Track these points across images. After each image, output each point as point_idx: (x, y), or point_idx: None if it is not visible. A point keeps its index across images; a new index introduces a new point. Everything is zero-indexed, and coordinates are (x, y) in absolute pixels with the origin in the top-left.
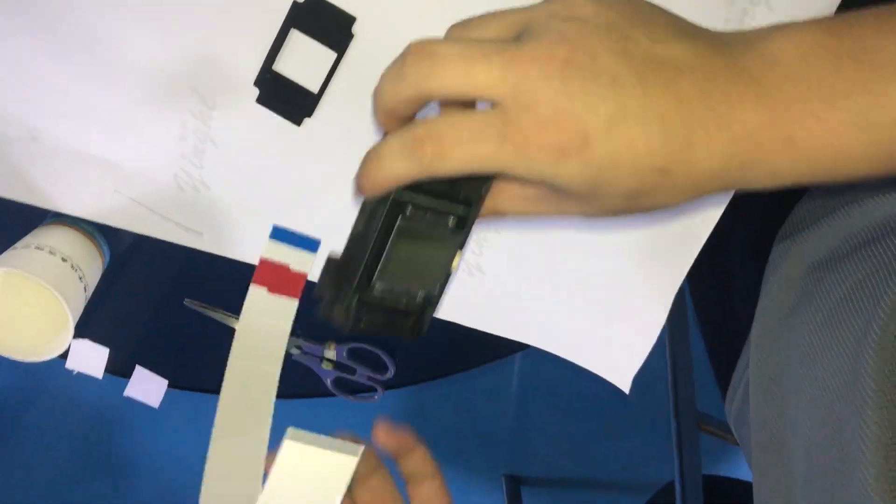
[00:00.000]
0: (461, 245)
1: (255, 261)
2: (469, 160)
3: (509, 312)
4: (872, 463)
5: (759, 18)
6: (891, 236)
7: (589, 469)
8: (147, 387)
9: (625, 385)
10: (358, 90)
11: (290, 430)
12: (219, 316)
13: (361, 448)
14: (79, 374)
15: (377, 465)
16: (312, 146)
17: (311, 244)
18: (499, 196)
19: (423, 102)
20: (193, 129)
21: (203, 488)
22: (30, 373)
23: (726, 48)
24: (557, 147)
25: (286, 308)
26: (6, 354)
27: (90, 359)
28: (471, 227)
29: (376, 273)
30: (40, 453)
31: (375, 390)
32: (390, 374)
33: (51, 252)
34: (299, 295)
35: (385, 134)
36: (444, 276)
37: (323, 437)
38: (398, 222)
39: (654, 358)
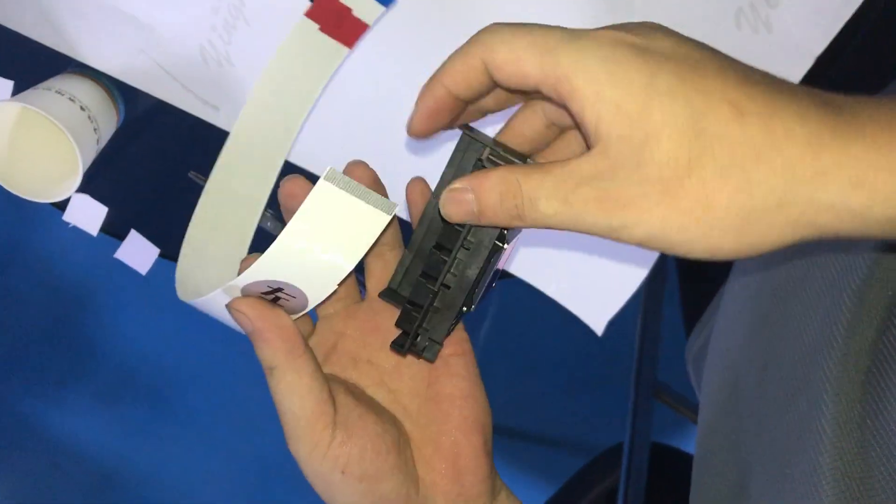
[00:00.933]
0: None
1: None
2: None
3: None
4: (833, 387)
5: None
6: None
7: (543, 424)
8: (138, 252)
9: (598, 328)
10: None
11: (329, 171)
12: None
13: (396, 207)
14: (74, 227)
15: (396, 242)
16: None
17: None
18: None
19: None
20: (228, 3)
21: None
22: (26, 218)
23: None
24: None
25: (333, 53)
26: (12, 189)
27: (88, 215)
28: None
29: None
30: (17, 304)
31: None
32: None
33: (71, 99)
34: (353, 45)
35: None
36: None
37: (361, 187)
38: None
39: (621, 331)
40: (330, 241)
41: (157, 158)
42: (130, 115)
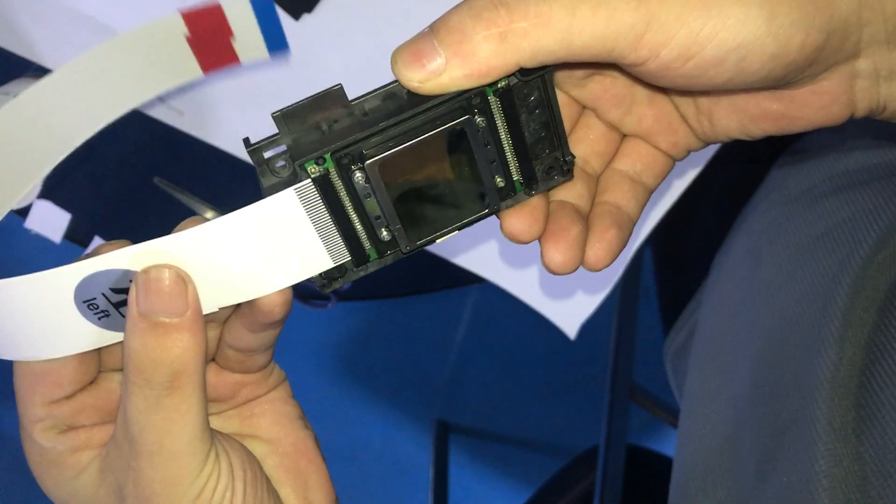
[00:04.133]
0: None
1: (232, 149)
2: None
3: (469, 243)
4: (826, 389)
5: None
6: (880, 181)
7: (518, 427)
8: None
9: (571, 331)
10: None
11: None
12: (186, 199)
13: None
14: (36, 235)
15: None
16: (307, 43)
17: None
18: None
19: None
20: (189, 4)
21: None
22: None
23: None
24: None
25: (180, 70)
26: None
27: (50, 222)
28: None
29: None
30: None
31: (329, 299)
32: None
33: None
34: (207, 73)
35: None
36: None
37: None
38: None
39: (597, 333)
40: (265, 254)
41: (121, 164)
42: None
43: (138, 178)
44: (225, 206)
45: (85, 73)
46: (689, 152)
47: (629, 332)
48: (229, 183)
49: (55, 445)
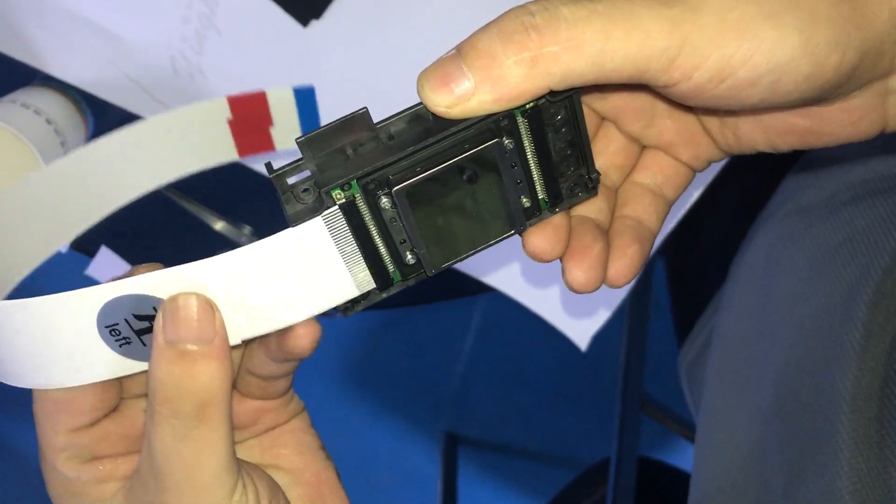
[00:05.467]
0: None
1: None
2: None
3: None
4: (848, 403)
5: None
6: None
7: (527, 438)
8: (109, 269)
9: (582, 343)
10: (370, 2)
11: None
12: (195, 209)
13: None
14: None
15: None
16: (315, 50)
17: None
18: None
19: None
20: (198, 13)
21: None
22: None
23: None
24: None
25: (218, 150)
26: None
27: None
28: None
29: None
30: None
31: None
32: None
33: (36, 112)
34: (242, 157)
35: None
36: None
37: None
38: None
39: (607, 343)
40: (290, 283)
41: None
42: (100, 128)
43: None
44: (232, 215)
45: (131, 143)
46: (710, 163)
47: (640, 342)
48: (237, 192)
49: (79, 475)
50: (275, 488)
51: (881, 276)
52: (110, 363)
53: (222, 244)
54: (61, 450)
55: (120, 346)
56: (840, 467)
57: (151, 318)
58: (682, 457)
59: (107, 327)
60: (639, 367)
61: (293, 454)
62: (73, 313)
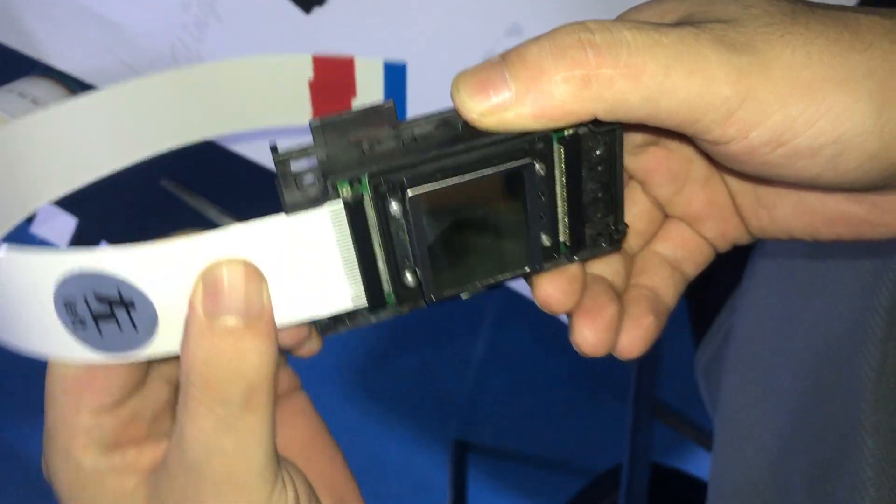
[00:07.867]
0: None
1: (240, 150)
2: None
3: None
4: (871, 391)
5: None
6: None
7: (537, 445)
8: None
9: None
10: None
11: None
12: (195, 202)
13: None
14: (42, 239)
15: None
16: (318, 38)
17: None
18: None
19: None
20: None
21: None
22: None
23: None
24: None
25: (291, 111)
26: None
27: (57, 226)
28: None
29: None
30: None
31: None
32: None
33: (33, 101)
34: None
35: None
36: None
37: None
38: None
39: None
40: (285, 276)
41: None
42: None
43: (145, 181)
44: (235, 210)
45: (219, 76)
46: (733, 245)
47: (653, 346)
48: (239, 186)
49: (97, 464)
50: (308, 485)
51: None
52: (62, 344)
53: None
54: (82, 433)
55: (74, 327)
56: (863, 457)
57: (113, 302)
58: (696, 463)
59: (65, 304)
60: (651, 372)
61: (303, 438)
62: (31, 275)
